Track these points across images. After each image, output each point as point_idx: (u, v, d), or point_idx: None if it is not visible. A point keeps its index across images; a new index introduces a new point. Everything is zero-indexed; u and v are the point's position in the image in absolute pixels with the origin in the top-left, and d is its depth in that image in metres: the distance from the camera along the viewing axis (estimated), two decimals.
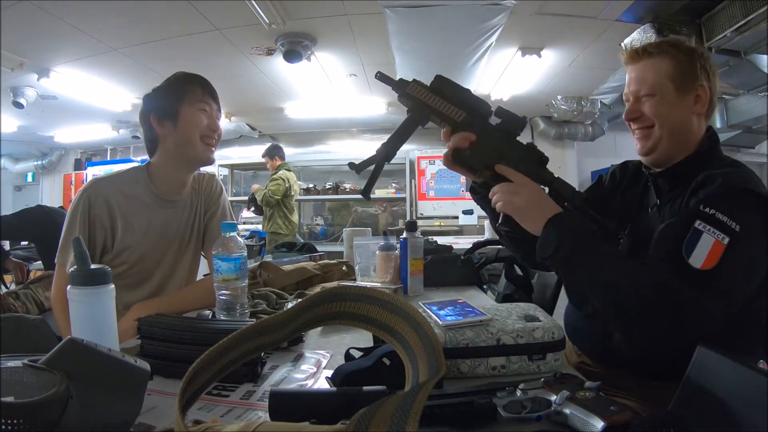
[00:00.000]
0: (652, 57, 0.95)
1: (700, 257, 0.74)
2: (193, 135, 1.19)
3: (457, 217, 5.39)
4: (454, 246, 1.79)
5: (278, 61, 3.52)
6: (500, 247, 1.59)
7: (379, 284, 1.26)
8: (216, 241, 0.93)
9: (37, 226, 2.49)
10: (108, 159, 6.39)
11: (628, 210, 1.04)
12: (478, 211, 5.43)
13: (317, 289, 1.31)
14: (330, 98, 4.59)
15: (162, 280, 1.28)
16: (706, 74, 0.94)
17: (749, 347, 0.87)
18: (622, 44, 1.03)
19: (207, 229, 1.35)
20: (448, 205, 5.50)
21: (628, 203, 1.06)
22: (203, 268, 1.39)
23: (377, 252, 1.37)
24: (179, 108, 1.18)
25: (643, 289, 0.72)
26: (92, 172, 5.05)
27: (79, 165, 6.63)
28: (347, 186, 5.60)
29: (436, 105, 0.85)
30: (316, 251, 1.84)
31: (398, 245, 1.37)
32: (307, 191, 5.55)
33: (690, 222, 0.76)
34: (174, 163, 1.23)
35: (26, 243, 3.42)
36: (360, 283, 1.35)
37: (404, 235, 1.34)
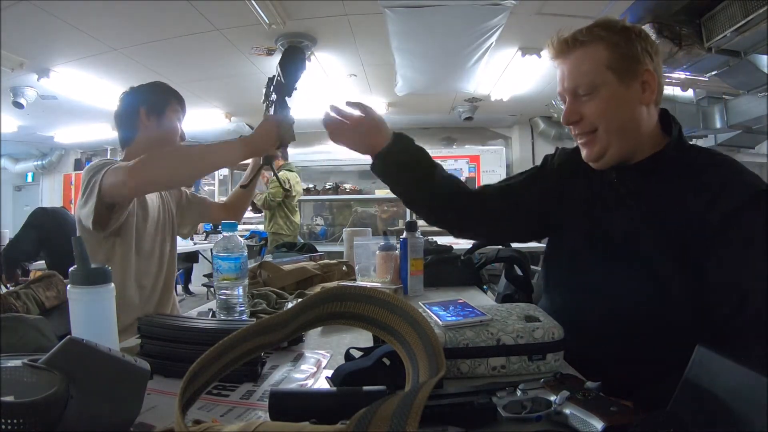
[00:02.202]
0: (585, 46, 0.84)
1: None
2: (173, 132, 1.36)
3: None
4: (454, 246, 1.78)
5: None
6: (500, 247, 1.59)
7: (379, 284, 1.26)
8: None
9: (45, 230, 2.49)
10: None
11: (584, 212, 0.94)
12: None
13: (317, 289, 1.31)
14: (330, 98, 4.58)
15: (159, 255, 1.38)
16: (648, 56, 0.83)
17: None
18: (553, 40, 0.88)
19: (192, 204, 1.55)
20: None
21: (580, 203, 0.95)
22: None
23: (377, 252, 1.37)
24: (165, 109, 1.35)
25: None
26: None
27: (79, 165, 6.63)
28: (347, 186, 5.60)
29: None
30: (316, 251, 1.84)
31: (398, 245, 1.37)
32: (307, 191, 5.56)
33: None
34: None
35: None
36: (360, 283, 1.35)
37: (404, 235, 1.34)
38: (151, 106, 1.33)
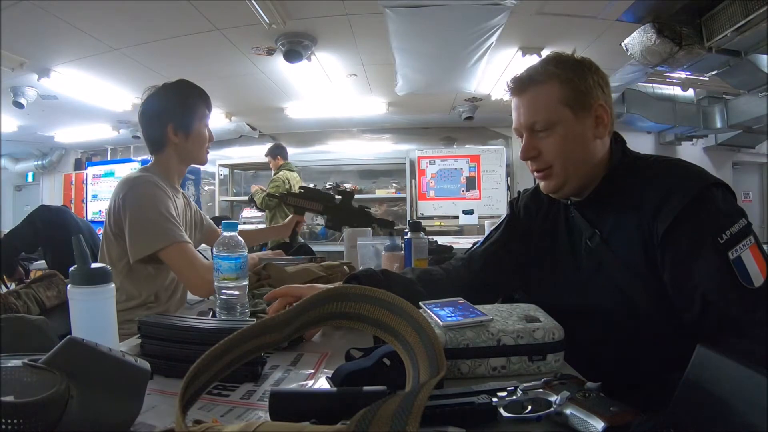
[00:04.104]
0: (540, 84, 0.87)
1: (757, 274, 0.73)
2: (201, 147, 1.43)
3: (457, 217, 5.39)
4: (455, 246, 1.79)
5: (278, 61, 3.52)
6: None
7: None
8: (218, 241, 0.94)
9: (47, 228, 2.49)
10: (108, 159, 6.38)
11: (552, 244, 0.99)
12: (479, 210, 5.45)
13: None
14: (330, 98, 4.59)
15: None
16: (600, 88, 0.88)
17: None
18: (509, 81, 0.92)
19: (204, 227, 1.61)
20: (448, 205, 5.50)
21: (547, 237, 1.00)
22: None
23: (383, 252, 1.37)
24: (192, 123, 1.39)
25: None
26: (92, 172, 5.05)
27: (79, 165, 6.63)
28: (347, 186, 5.59)
29: None
30: (313, 253, 1.82)
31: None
32: None
33: (724, 261, 0.74)
34: (178, 161, 1.44)
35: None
36: None
37: (408, 235, 1.33)
38: (178, 122, 1.36)
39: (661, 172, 0.85)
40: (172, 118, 1.36)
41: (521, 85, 0.89)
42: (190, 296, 1.46)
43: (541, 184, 0.94)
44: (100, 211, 4.80)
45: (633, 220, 0.84)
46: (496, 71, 3.81)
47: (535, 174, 0.93)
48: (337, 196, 1.55)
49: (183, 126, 1.37)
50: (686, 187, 0.79)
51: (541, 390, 0.54)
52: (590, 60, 0.89)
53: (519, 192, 1.13)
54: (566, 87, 0.85)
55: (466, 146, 5.83)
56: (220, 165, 5.96)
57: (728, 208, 0.78)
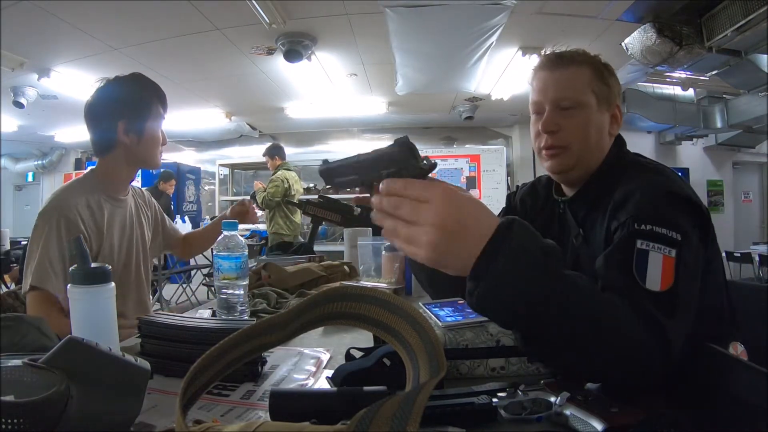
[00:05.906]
0: (578, 65, 0.88)
1: (655, 279, 0.65)
2: (155, 150, 1.28)
3: None
4: None
5: (278, 61, 3.53)
6: None
7: (385, 285, 1.25)
8: (218, 240, 0.94)
9: None
10: None
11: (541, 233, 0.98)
12: None
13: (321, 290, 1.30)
14: (330, 98, 4.59)
15: (135, 274, 1.33)
16: (618, 94, 0.92)
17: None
18: (544, 55, 0.92)
19: (165, 230, 1.53)
20: None
21: (541, 233, 0.98)
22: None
23: (383, 253, 1.37)
24: (146, 124, 1.24)
25: (629, 327, 0.57)
26: None
27: (79, 164, 6.64)
28: None
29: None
30: (313, 253, 1.82)
31: None
32: (307, 191, 5.56)
33: (631, 244, 0.67)
34: (127, 166, 1.28)
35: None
36: (363, 283, 1.35)
37: None
38: (130, 121, 1.21)
39: (634, 176, 0.81)
40: (122, 115, 1.21)
41: (560, 61, 0.89)
42: (194, 298, 1.44)
43: (549, 163, 0.91)
44: None
45: (603, 221, 0.83)
46: (496, 71, 3.81)
47: (545, 152, 0.90)
48: (357, 208, 1.53)
49: (135, 126, 1.22)
50: (650, 189, 0.75)
51: (541, 390, 0.54)
52: (612, 68, 0.93)
53: (517, 186, 1.14)
54: (598, 78, 0.88)
55: (466, 146, 5.84)
56: (220, 165, 5.97)
57: (676, 217, 0.70)
